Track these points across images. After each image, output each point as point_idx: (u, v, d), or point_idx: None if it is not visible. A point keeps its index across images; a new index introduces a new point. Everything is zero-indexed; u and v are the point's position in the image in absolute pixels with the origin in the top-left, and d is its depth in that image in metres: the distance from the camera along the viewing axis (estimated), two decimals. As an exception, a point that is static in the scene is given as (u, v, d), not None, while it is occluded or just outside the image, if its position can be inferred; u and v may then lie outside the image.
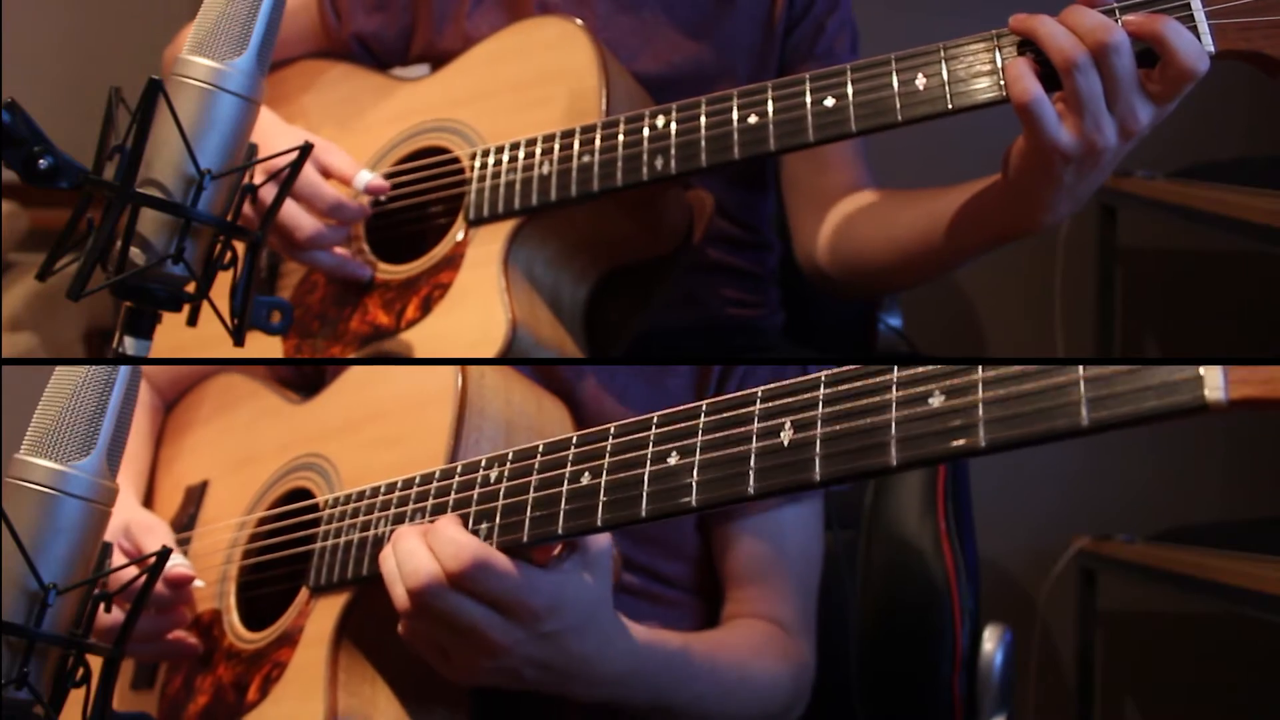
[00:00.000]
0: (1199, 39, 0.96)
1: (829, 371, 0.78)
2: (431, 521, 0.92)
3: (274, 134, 1.21)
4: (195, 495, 1.21)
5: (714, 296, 1.37)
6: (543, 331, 1.14)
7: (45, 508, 0.80)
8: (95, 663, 0.83)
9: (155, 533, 1.10)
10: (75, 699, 0.83)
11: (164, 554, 0.83)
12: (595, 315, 1.22)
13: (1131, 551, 2.04)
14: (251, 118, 0.87)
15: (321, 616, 1.02)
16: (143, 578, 0.83)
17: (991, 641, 1.32)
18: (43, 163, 0.83)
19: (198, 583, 1.09)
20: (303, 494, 1.11)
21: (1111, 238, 2.23)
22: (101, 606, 0.84)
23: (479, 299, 1.13)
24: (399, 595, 0.90)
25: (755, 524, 1.16)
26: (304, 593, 1.05)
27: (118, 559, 1.06)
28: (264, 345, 1.15)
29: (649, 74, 1.26)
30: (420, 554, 0.88)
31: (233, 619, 1.11)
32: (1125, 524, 2.11)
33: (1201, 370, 0.63)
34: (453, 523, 0.90)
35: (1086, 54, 0.96)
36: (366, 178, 1.20)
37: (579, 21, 1.21)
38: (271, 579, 1.11)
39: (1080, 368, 0.68)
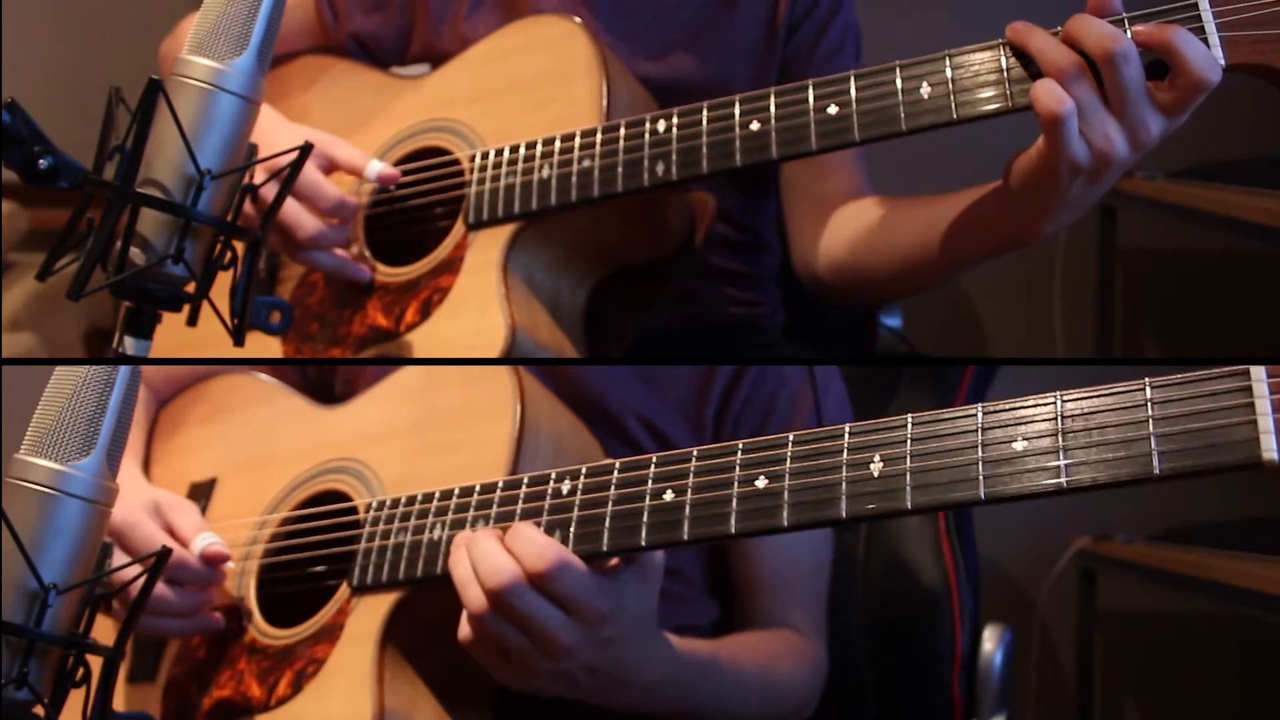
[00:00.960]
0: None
1: (915, 415, 0.84)
2: (503, 528, 0.94)
3: (276, 131, 1.20)
4: (203, 491, 1.20)
5: (715, 296, 1.36)
6: (542, 337, 1.13)
7: (45, 508, 0.80)
8: (95, 662, 0.83)
9: (185, 511, 1.11)
10: (75, 699, 0.83)
11: (164, 553, 0.84)
12: (595, 318, 1.22)
13: (1131, 551, 2.04)
14: (251, 118, 0.87)
15: (365, 614, 1.02)
16: (149, 570, 0.84)
17: (991, 641, 1.33)
18: (43, 163, 0.83)
19: (229, 564, 1.09)
20: (336, 496, 1.11)
21: (1111, 238, 2.23)
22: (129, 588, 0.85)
23: (479, 304, 1.13)
24: (474, 596, 0.91)
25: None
26: (344, 590, 1.05)
27: (150, 535, 1.07)
28: (264, 345, 1.15)
29: (649, 77, 1.25)
30: (500, 555, 0.90)
31: (255, 615, 1.11)
32: (1125, 524, 2.11)
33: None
34: (530, 526, 0.92)
35: (1076, 64, 0.95)
36: (378, 167, 1.20)
37: (578, 20, 1.20)
38: (297, 577, 1.11)
39: (1146, 383, 0.78)
